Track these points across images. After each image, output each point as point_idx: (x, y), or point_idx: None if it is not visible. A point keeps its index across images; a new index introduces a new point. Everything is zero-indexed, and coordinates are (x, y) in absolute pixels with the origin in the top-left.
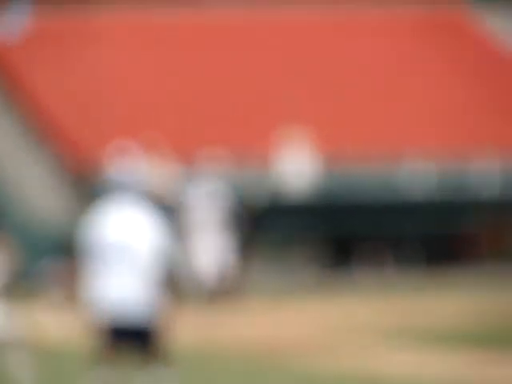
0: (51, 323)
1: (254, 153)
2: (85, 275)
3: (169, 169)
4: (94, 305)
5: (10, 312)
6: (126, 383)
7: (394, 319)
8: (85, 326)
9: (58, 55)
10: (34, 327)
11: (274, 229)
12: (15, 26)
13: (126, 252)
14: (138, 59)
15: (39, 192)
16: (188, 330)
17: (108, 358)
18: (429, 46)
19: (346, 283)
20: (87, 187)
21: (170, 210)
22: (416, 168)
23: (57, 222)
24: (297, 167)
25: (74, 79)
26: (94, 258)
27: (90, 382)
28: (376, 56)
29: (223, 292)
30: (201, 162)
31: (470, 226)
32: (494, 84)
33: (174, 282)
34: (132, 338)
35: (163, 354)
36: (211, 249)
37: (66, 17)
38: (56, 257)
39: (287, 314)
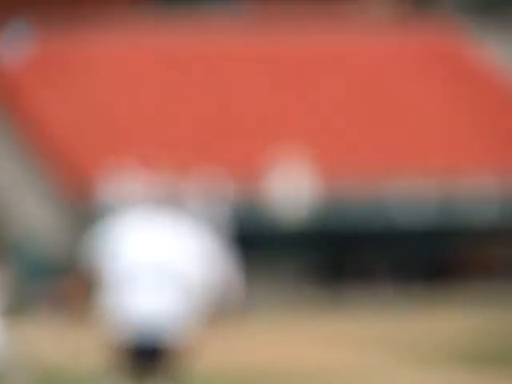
0: (51, 344)
1: (250, 170)
2: (101, 294)
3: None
4: (116, 323)
5: (7, 333)
6: None
7: (390, 338)
8: (100, 345)
9: (60, 79)
10: (32, 348)
11: (268, 250)
12: (16, 49)
13: (159, 270)
14: (138, 83)
15: (37, 213)
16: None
17: (125, 376)
18: (426, 70)
19: (342, 304)
20: (86, 208)
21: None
22: (412, 189)
23: (55, 244)
24: (292, 186)
25: (74, 103)
26: (120, 275)
27: None
28: (372, 78)
29: (227, 314)
30: (198, 180)
31: (466, 248)
32: (493, 115)
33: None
34: (151, 358)
35: (176, 377)
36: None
37: (67, 41)
38: (54, 278)
39: (288, 335)
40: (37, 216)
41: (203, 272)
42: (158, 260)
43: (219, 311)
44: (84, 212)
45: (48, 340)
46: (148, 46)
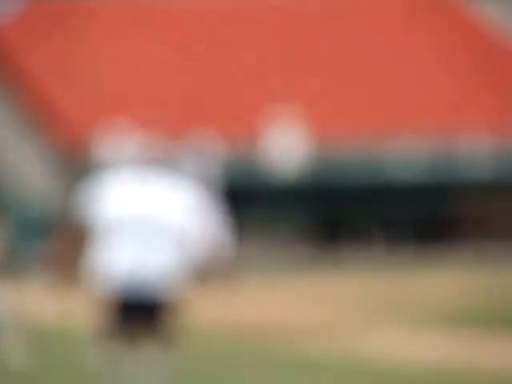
0: (43, 301)
1: (243, 131)
2: (91, 250)
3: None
4: (104, 279)
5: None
6: (131, 359)
7: (382, 297)
8: (89, 302)
9: (53, 35)
10: (24, 305)
11: (262, 208)
12: (9, 5)
13: (146, 225)
14: (131, 43)
15: (31, 172)
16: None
17: (114, 334)
18: (419, 27)
19: (335, 262)
20: (80, 167)
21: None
22: (406, 148)
23: (51, 202)
24: (286, 145)
25: (68, 60)
26: (108, 231)
27: (92, 357)
28: (367, 37)
29: (218, 272)
30: (191, 140)
31: (460, 206)
32: (486, 66)
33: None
34: (141, 314)
35: (168, 334)
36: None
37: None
38: (47, 236)
39: (279, 293)
40: (32, 175)
41: (194, 227)
42: (147, 214)
43: (210, 268)
44: (79, 170)
45: (39, 299)
46: (144, 3)
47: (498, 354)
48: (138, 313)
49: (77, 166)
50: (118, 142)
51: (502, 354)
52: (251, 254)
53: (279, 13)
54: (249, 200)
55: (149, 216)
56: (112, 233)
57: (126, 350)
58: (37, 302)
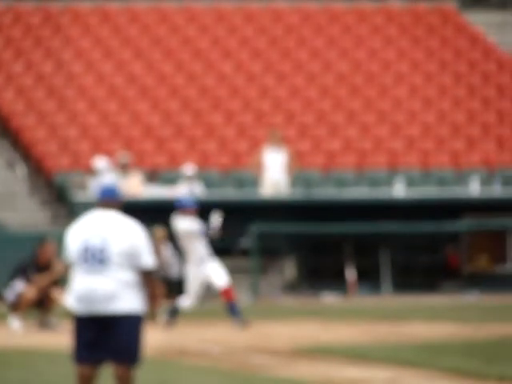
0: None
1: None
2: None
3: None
4: (73, 297)
5: None
6: None
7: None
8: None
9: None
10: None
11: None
12: None
13: (99, 253)
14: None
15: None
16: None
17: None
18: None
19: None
20: (62, 205)
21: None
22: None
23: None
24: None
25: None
26: (78, 259)
27: None
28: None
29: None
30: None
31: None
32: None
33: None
34: (97, 328)
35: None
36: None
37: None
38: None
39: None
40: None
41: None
42: (99, 245)
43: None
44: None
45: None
46: None
47: None
48: (93, 326)
49: (60, 204)
50: (104, 178)
51: None
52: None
53: (267, 21)
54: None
55: (103, 245)
56: (74, 262)
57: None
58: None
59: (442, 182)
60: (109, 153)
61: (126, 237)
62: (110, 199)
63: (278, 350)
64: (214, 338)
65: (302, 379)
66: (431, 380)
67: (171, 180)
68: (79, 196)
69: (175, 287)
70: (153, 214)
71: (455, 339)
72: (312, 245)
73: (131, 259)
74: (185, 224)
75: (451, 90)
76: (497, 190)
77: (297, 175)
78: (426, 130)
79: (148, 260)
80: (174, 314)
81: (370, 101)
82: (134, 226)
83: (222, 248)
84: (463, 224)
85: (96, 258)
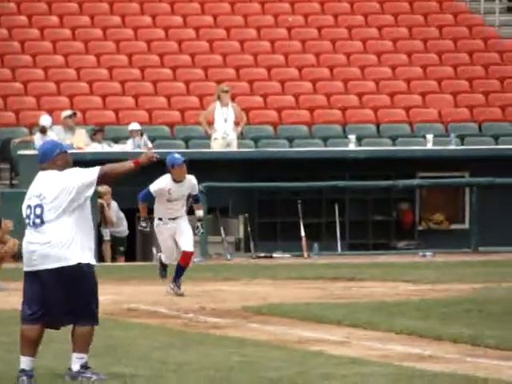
0: None
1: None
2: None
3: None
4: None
5: None
6: None
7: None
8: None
9: None
10: None
11: None
12: None
13: (38, 210)
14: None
15: None
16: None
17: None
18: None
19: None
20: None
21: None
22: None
23: None
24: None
25: None
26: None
27: None
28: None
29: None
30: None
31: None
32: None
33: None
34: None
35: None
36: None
37: None
38: None
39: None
40: None
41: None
42: (37, 203)
43: None
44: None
45: None
46: None
47: None
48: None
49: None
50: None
51: None
52: None
53: None
54: None
55: (42, 198)
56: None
57: None
58: None
59: (396, 137)
60: (54, 109)
61: (58, 183)
62: (42, 162)
63: (228, 310)
64: (163, 298)
65: (252, 339)
66: (385, 341)
67: (117, 137)
68: (22, 151)
69: (123, 244)
70: None
71: (410, 299)
72: (263, 203)
73: (73, 199)
74: None
75: (406, 43)
76: (452, 147)
77: (247, 130)
78: (379, 85)
79: (91, 171)
80: (164, 267)
81: (322, 54)
82: (66, 171)
83: None
84: (418, 181)
85: (36, 215)
